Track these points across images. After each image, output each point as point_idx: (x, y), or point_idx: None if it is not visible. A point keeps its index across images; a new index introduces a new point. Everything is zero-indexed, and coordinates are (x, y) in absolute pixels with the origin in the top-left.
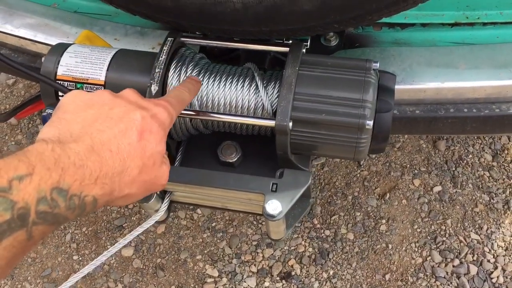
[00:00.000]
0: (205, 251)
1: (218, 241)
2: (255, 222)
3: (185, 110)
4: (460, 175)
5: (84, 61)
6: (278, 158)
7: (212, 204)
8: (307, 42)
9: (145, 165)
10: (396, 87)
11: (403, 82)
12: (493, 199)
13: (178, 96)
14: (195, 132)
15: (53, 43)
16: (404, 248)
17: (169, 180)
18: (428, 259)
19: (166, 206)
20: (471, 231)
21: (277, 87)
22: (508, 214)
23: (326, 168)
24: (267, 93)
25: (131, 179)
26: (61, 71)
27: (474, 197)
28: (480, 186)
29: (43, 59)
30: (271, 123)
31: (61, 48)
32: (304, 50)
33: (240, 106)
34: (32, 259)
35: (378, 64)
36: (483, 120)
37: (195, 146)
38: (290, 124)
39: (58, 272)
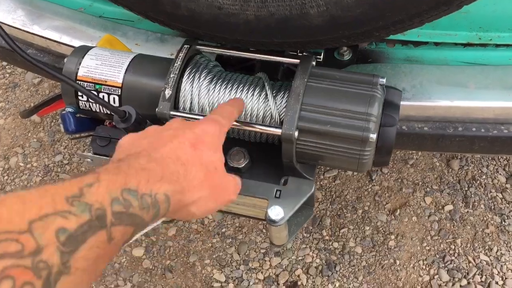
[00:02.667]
0: (214, 256)
1: (227, 246)
2: (264, 231)
3: (196, 114)
4: (472, 195)
5: (104, 64)
6: (283, 165)
7: (222, 208)
8: (321, 56)
9: (208, 170)
10: (406, 103)
11: (413, 99)
12: (504, 221)
13: (225, 111)
14: None
15: (77, 45)
16: (412, 265)
17: None
18: (435, 277)
19: None
20: (480, 252)
21: (285, 97)
22: None
23: (338, 181)
24: (275, 103)
25: (199, 182)
26: (81, 72)
27: (485, 218)
28: (492, 207)
29: (65, 59)
30: (277, 131)
31: (83, 50)
32: (314, 63)
33: (250, 113)
34: None
35: (384, 80)
36: (491, 140)
37: None
38: (296, 133)
39: None
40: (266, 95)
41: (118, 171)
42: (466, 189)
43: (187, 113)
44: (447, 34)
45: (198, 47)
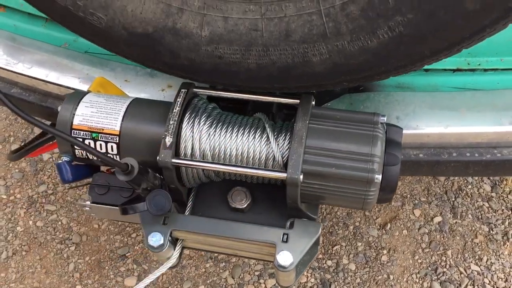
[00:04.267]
0: (208, 281)
1: (221, 271)
2: None
3: (198, 161)
4: (459, 205)
5: (100, 111)
6: (287, 206)
7: (223, 251)
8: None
9: None
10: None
11: (407, 127)
12: (492, 230)
13: None
14: (206, 180)
15: (64, 84)
16: (405, 279)
17: (180, 228)
18: None
19: (178, 253)
20: (471, 262)
21: (287, 138)
22: (507, 245)
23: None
24: (278, 145)
25: None
26: (77, 121)
27: (473, 228)
28: (480, 217)
29: (59, 108)
30: (282, 175)
31: (77, 97)
32: (313, 103)
33: (252, 157)
34: None
35: (385, 118)
36: (485, 164)
37: (205, 192)
38: (301, 177)
39: None
40: (268, 137)
41: None
42: (453, 199)
43: (188, 160)
44: None
45: (195, 90)
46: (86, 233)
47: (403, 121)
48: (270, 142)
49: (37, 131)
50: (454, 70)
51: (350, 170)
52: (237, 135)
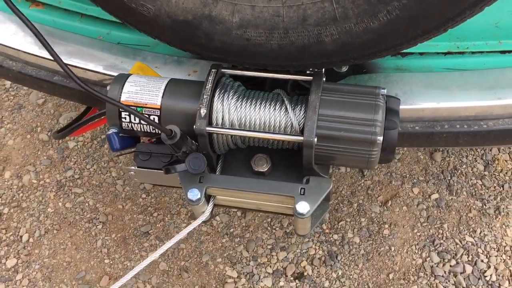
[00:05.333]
0: (225, 255)
1: (236, 245)
2: (269, 228)
3: (228, 129)
4: (455, 183)
5: (143, 89)
6: (303, 167)
7: (247, 206)
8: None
9: None
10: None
11: (405, 103)
12: (485, 205)
13: None
14: (233, 146)
15: (101, 71)
16: (405, 250)
17: (213, 185)
18: (427, 259)
19: (211, 208)
20: (466, 234)
21: (303, 108)
22: (499, 218)
23: (333, 178)
24: (295, 114)
25: None
26: (124, 97)
27: (468, 204)
28: (474, 193)
29: (108, 87)
30: (299, 138)
31: (122, 78)
32: (324, 79)
33: (273, 125)
34: (67, 263)
35: (385, 90)
36: (473, 135)
37: (231, 159)
38: (315, 139)
39: (92, 274)
40: (286, 108)
41: None
42: (449, 178)
43: (219, 127)
44: (429, 45)
45: (223, 70)
46: (111, 213)
47: (402, 98)
48: (288, 112)
49: (64, 120)
50: (445, 53)
51: (356, 133)
52: (260, 107)
